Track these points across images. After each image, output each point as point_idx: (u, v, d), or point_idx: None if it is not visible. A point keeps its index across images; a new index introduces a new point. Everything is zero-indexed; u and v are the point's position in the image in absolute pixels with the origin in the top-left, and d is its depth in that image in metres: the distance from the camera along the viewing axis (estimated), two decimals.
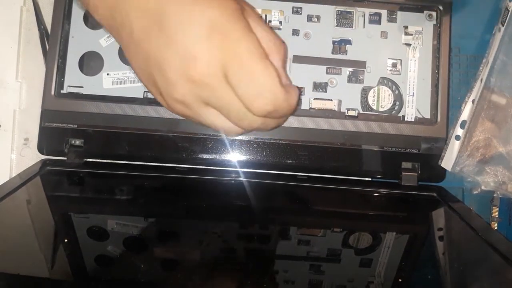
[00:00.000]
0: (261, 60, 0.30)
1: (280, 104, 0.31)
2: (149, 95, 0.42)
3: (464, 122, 0.42)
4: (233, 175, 0.42)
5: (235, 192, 0.42)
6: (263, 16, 0.43)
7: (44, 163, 0.42)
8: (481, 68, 0.43)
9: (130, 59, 0.32)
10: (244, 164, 0.42)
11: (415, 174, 0.42)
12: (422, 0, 0.43)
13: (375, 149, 0.42)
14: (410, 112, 0.43)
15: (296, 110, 0.34)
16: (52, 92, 0.42)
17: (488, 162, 0.41)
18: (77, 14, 0.43)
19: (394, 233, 0.37)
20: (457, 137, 0.42)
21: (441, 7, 0.43)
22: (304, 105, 0.43)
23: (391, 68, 0.43)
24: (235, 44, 0.29)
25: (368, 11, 0.43)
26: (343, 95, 0.43)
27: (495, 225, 0.43)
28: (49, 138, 0.42)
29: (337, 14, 0.43)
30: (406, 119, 0.43)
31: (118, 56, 0.42)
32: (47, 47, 0.44)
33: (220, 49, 0.29)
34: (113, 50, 0.42)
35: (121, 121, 0.42)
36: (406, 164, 0.42)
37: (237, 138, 0.42)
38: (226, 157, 0.42)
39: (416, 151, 0.42)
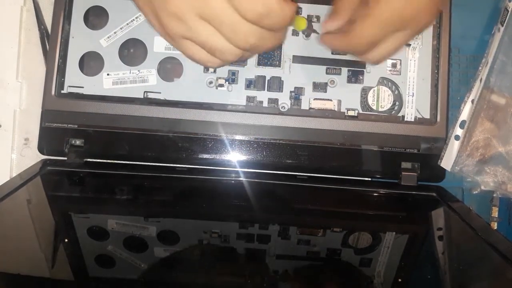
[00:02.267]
0: None
1: (272, 7, 0.31)
2: (149, 95, 0.42)
3: (463, 122, 0.42)
4: (233, 175, 0.42)
5: (235, 192, 0.42)
6: None
7: (44, 163, 0.42)
8: (480, 68, 0.43)
9: None
10: (244, 164, 0.42)
11: (415, 174, 0.42)
12: None
13: (375, 149, 0.42)
14: (409, 112, 0.43)
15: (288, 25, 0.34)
16: (53, 92, 0.42)
17: (487, 162, 0.41)
18: (77, 14, 0.43)
19: (394, 233, 0.37)
20: (457, 137, 0.42)
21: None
22: (304, 105, 0.43)
23: (390, 68, 0.43)
24: None
25: None
26: (343, 95, 0.43)
27: (494, 225, 0.43)
28: (49, 138, 0.42)
29: None
30: (405, 119, 0.43)
31: (118, 56, 0.42)
32: (47, 47, 0.44)
33: None
34: (113, 50, 0.42)
35: (121, 121, 0.42)
36: (405, 164, 0.42)
37: (237, 138, 0.42)
38: (226, 157, 0.42)
39: (415, 151, 0.42)
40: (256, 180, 0.42)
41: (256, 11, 0.31)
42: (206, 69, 0.43)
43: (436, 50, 0.43)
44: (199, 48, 0.34)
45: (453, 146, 0.42)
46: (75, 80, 0.42)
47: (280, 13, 0.32)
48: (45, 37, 0.44)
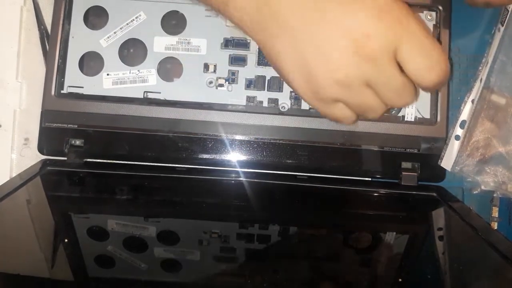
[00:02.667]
0: (430, 35, 0.32)
1: (448, 74, 0.33)
2: (149, 95, 0.42)
3: (463, 122, 0.42)
4: (233, 175, 0.42)
5: (235, 192, 0.42)
6: None
7: (44, 163, 0.42)
8: (480, 68, 0.43)
9: (277, 48, 0.33)
10: (244, 164, 0.42)
11: (415, 174, 0.42)
12: (422, 0, 0.43)
13: (375, 149, 0.42)
14: (410, 112, 0.43)
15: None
16: (52, 92, 0.42)
17: (487, 162, 0.41)
18: (77, 14, 0.43)
19: (394, 233, 0.37)
20: (457, 137, 0.42)
21: (440, 7, 0.43)
22: (304, 105, 0.43)
23: None
24: (406, 22, 0.31)
25: None
26: None
27: (495, 225, 0.43)
28: (49, 138, 0.42)
29: None
30: (406, 119, 0.43)
31: (118, 56, 0.42)
32: (47, 47, 0.44)
33: (392, 28, 0.31)
34: (113, 50, 0.42)
35: (121, 121, 0.42)
36: (406, 164, 0.42)
37: (237, 138, 0.42)
38: (226, 157, 0.42)
39: (416, 151, 0.42)
40: (256, 180, 0.42)
41: (440, 80, 0.32)
42: (206, 69, 0.43)
43: None
44: (346, 109, 0.35)
45: (453, 146, 0.42)
46: (75, 80, 0.42)
47: (448, 77, 0.33)
48: (45, 37, 0.44)
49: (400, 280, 0.31)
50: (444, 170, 0.42)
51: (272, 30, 0.33)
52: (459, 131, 0.42)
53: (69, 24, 0.43)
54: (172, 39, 0.43)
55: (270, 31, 0.33)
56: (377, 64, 0.31)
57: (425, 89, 0.34)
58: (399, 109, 0.43)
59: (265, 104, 0.43)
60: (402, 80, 0.32)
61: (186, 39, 0.43)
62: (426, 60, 0.32)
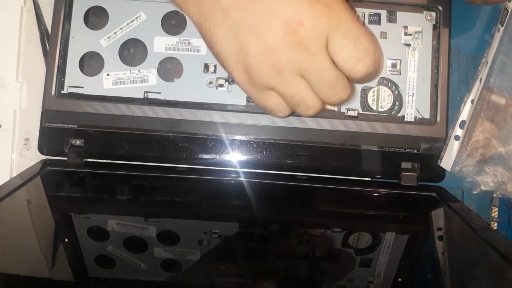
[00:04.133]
0: (362, 26, 0.32)
1: (378, 65, 0.33)
2: (149, 95, 0.42)
3: (463, 122, 0.42)
4: (233, 175, 0.42)
5: (235, 192, 0.42)
6: None
7: (44, 163, 0.42)
8: (480, 68, 0.43)
9: (212, 29, 0.33)
10: (244, 164, 0.42)
11: (415, 174, 0.42)
12: (421, 0, 0.43)
13: (375, 149, 0.42)
14: (409, 112, 0.43)
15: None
16: (53, 92, 0.42)
17: (487, 162, 0.41)
18: (77, 14, 0.43)
19: (394, 233, 0.37)
20: (457, 137, 0.42)
21: (440, 7, 0.43)
22: None
23: (390, 68, 0.43)
24: (338, 12, 0.31)
25: (367, 11, 0.43)
26: None
27: (494, 225, 0.43)
28: (49, 138, 0.42)
29: None
30: (405, 119, 0.43)
31: (118, 56, 0.42)
32: (48, 47, 0.44)
33: (325, 16, 0.31)
34: (114, 50, 0.42)
35: (122, 121, 0.42)
36: (405, 164, 0.42)
37: (237, 138, 0.42)
38: (226, 157, 0.42)
39: (415, 151, 0.42)
40: (256, 180, 0.42)
41: (368, 71, 0.32)
42: (206, 69, 0.43)
43: (436, 50, 0.43)
44: (280, 99, 0.34)
45: (453, 146, 0.42)
46: (75, 80, 0.42)
47: (379, 67, 0.34)
48: (45, 37, 0.44)
49: (400, 280, 0.31)
50: (443, 170, 0.42)
51: (208, 10, 0.32)
52: (458, 131, 0.42)
53: (69, 24, 0.43)
54: (172, 39, 0.43)
55: (206, 11, 0.32)
56: (309, 52, 0.31)
57: (355, 80, 0.34)
58: (399, 109, 0.43)
59: None
60: (335, 72, 0.32)
61: (186, 39, 0.43)
62: (355, 51, 0.31)
